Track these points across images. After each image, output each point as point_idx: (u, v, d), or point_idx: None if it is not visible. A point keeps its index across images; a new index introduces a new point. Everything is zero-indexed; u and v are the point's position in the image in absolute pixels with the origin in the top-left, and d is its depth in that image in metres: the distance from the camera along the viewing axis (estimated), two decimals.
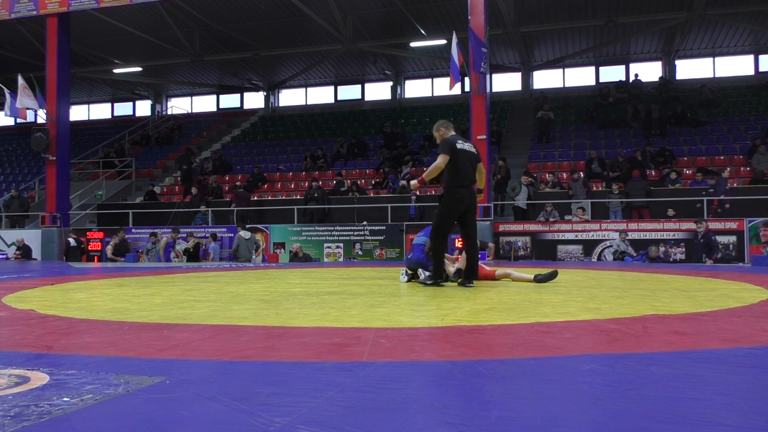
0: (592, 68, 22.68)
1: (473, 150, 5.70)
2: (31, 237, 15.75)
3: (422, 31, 19.63)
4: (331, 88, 25.55)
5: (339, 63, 23.38)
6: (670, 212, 12.96)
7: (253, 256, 14.38)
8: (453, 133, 5.78)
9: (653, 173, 15.08)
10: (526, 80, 22.57)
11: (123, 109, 28.75)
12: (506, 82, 23.37)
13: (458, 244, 5.96)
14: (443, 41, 19.03)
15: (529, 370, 2.13)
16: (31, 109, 15.83)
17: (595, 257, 12.65)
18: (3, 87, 16.39)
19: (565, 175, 15.99)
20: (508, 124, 20.57)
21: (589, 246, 12.77)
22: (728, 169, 14.39)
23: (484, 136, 12.87)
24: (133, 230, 15.78)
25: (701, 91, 19.23)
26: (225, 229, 15.13)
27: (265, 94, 25.46)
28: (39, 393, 1.79)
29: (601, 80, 22.25)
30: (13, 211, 17.75)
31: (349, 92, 25.42)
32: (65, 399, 1.72)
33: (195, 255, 14.21)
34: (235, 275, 7.98)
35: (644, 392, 1.80)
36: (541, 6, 17.97)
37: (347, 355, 2.38)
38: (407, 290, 5.28)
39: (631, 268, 9.20)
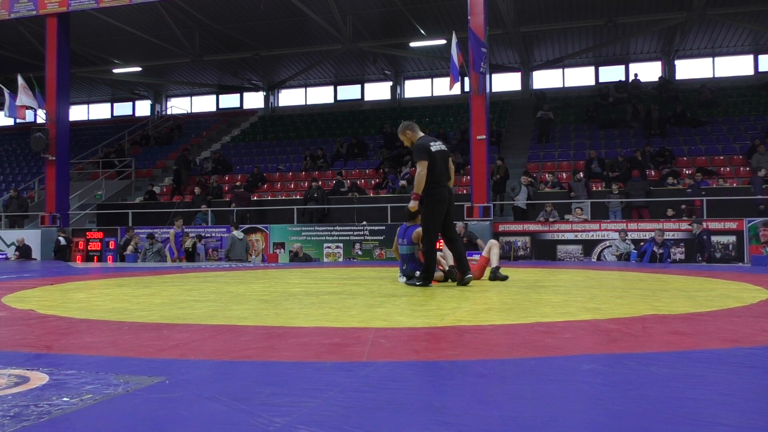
0: (592, 68, 22.69)
1: (444, 147, 5.67)
2: (31, 237, 15.74)
3: (422, 31, 19.63)
4: (331, 88, 25.56)
5: (339, 63, 23.38)
6: (670, 212, 12.98)
7: (253, 256, 14.39)
8: (421, 133, 5.72)
9: (653, 173, 15.09)
10: (526, 80, 22.58)
11: (123, 109, 28.75)
12: (506, 82, 23.38)
13: (438, 245, 5.94)
14: (443, 41, 19.03)
15: (529, 370, 2.13)
16: (31, 108, 15.82)
17: (595, 257, 12.65)
18: (2, 87, 16.39)
19: (564, 175, 16.00)
20: (508, 124, 20.58)
21: (588, 246, 12.77)
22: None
23: (484, 136, 12.87)
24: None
25: (701, 91, 19.23)
26: (225, 230, 15.13)
27: (264, 94, 25.47)
28: (38, 393, 1.79)
29: (601, 80, 22.26)
30: (12, 211, 17.75)
31: (349, 92, 25.42)
32: (65, 399, 1.72)
33: (192, 255, 14.21)
34: (235, 275, 7.98)
35: (644, 392, 1.80)
36: (540, 6, 17.98)
37: (347, 355, 2.37)
38: (407, 290, 5.28)
39: (631, 268, 9.21)
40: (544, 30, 19.57)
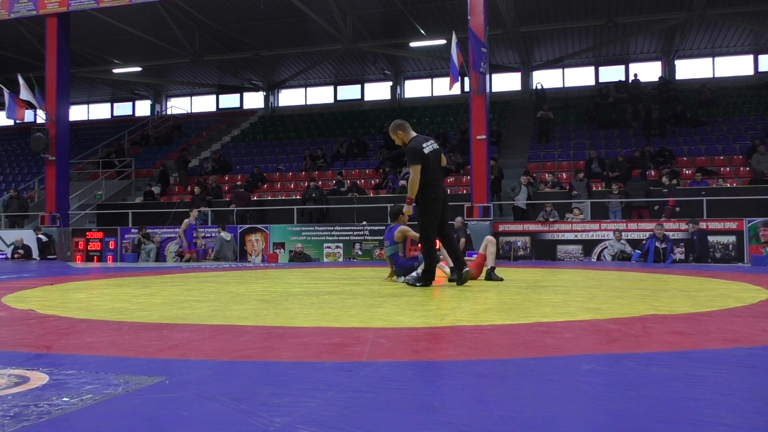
0: (592, 68, 22.69)
1: (435, 146, 5.64)
2: (30, 237, 15.74)
3: (422, 31, 19.63)
4: (331, 88, 25.55)
5: (339, 63, 23.38)
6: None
7: (253, 256, 14.41)
8: (413, 134, 5.69)
9: (653, 173, 15.09)
10: (526, 80, 22.58)
11: (122, 109, 28.75)
12: (506, 82, 23.38)
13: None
14: (443, 41, 19.03)
15: (529, 370, 2.13)
16: (31, 107, 15.81)
17: (595, 257, 12.65)
18: (2, 87, 16.39)
19: (564, 175, 16.00)
20: (508, 124, 20.58)
21: (588, 246, 12.77)
22: None
23: (484, 136, 12.87)
24: (133, 230, 15.76)
25: (701, 91, 19.23)
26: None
27: (264, 94, 25.46)
28: (38, 393, 1.79)
29: (601, 80, 22.26)
30: (12, 211, 17.75)
31: (349, 92, 25.42)
32: (65, 399, 1.72)
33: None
34: (235, 275, 7.98)
35: (644, 392, 1.80)
36: (540, 6, 17.98)
37: (347, 355, 2.38)
38: (407, 290, 5.28)
39: (631, 268, 9.21)
40: (544, 30, 19.57)
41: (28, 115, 16.43)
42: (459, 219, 12.45)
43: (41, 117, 16.38)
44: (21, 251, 15.29)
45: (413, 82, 24.72)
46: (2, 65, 22.55)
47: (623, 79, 21.71)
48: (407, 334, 2.92)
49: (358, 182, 16.94)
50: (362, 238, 14.06)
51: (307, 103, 25.81)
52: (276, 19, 19.17)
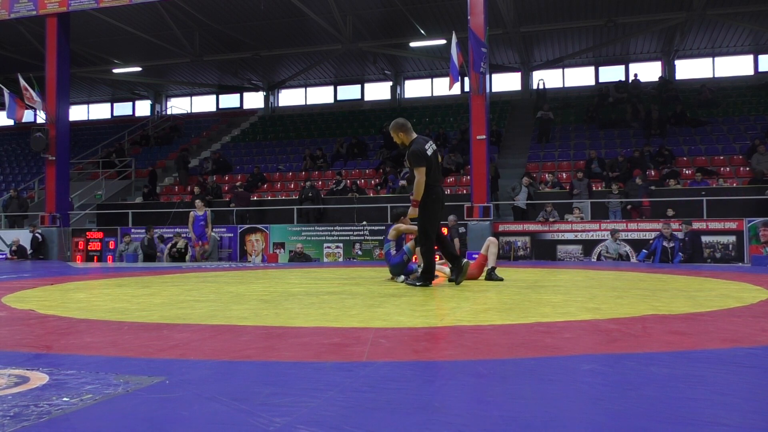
0: (592, 68, 22.69)
1: (434, 146, 5.68)
2: (26, 237, 15.73)
3: (422, 31, 19.63)
4: (331, 88, 25.55)
5: (339, 63, 23.38)
6: (670, 212, 12.97)
7: (252, 256, 14.41)
8: (414, 135, 5.70)
9: (653, 173, 15.08)
10: (526, 80, 22.58)
11: (122, 109, 28.75)
12: (506, 82, 23.37)
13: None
14: (443, 41, 19.02)
15: (529, 370, 2.13)
16: (32, 108, 15.81)
17: (595, 257, 12.65)
18: (2, 87, 16.39)
19: (564, 175, 16.00)
20: (508, 124, 20.58)
21: (588, 246, 12.77)
22: None
23: (484, 136, 12.87)
24: (133, 231, 15.75)
25: (701, 91, 19.23)
26: (224, 229, 15.13)
27: (264, 94, 25.46)
28: (38, 393, 1.79)
29: (601, 80, 22.26)
30: (12, 211, 17.74)
31: (349, 92, 25.42)
32: (65, 399, 1.72)
33: (183, 255, 14.16)
34: (235, 275, 7.98)
35: (644, 392, 1.80)
36: (540, 6, 17.98)
37: (347, 355, 2.38)
38: (407, 290, 5.28)
39: (631, 268, 9.20)
40: (544, 30, 19.57)
41: (28, 115, 16.41)
42: (452, 217, 12.43)
43: (41, 117, 16.37)
44: (14, 251, 15.31)
45: (413, 82, 24.72)
46: (2, 65, 22.54)
47: (623, 79, 21.71)
48: (407, 334, 2.92)
49: (358, 182, 16.93)
50: (362, 238, 14.06)
51: (307, 103, 25.81)
52: (276, 19, 19.17)
